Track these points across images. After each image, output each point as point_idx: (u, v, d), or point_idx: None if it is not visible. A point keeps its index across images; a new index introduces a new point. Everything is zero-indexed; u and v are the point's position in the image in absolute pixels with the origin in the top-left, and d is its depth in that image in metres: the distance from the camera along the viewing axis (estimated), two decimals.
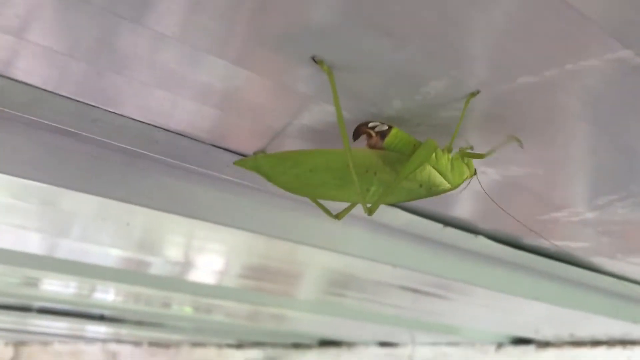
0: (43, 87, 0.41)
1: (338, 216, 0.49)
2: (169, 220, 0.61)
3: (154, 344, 2.56)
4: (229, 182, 0.53)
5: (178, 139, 0.47)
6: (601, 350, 1.47)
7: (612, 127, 0.43)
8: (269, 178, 0.45)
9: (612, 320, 1.04)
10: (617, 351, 1.45)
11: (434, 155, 0.44)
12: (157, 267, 0.95)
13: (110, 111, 0.44)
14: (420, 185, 0.45)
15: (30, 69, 0.39)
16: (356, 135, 0.44)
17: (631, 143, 0.46)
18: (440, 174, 0.45)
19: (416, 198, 0.47)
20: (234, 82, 0.39)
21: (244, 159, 0.45)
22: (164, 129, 0.46)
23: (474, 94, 0.40)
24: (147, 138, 0.47)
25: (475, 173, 0.48)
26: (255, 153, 0.50)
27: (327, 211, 0.49)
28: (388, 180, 0.44)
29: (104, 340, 2.62)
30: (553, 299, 0.89)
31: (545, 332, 1.45)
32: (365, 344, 1.97)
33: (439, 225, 0.64)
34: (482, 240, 0.69)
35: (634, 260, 0.78)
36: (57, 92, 0.41)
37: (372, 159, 0.44)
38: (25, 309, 1.64)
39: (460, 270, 0.77)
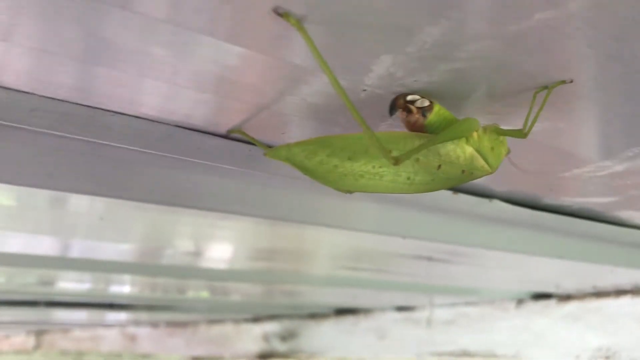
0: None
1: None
2: (172, 213, 0.55)
3: (171, 324, 2.56)
4: (226, 168, 0.46)
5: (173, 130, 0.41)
6: (626, 300, 1.42)
7: None
8: (305, 170, 0.39)
9: (637, 272, 0.98)
10: None
11: (476, 135, 0.40)
12: (169, 257, 0.92)
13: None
14: (463, 171, 0.40)
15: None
16: (393, 109, 0.39)
17: None
18: (482, 156, 0.41)
19: (457, 184, 0.42)
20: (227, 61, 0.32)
21: (275, 149, 0.38)
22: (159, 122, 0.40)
23: (563, 82, 0.36)
24: (145, 133, 0.40)
25: (509, 152, 0.43)
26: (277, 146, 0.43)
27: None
28: (429, 167, 0.39)
29: (122, 325, 2.62)
30: (576, 256, 0.83)
31: (566, 286, 1.40)
32: (383, 309, 1.94)
33: (448, 193, 0.58)
34: (497, 205, 0.62)
35: None
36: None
37: (413, 141, 0.38)
38: (43, 303, 1.64)
39: (475, 236, 0.71)
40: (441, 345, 1.80)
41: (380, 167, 0.38)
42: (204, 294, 1.54)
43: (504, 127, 0.42)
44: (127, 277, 1.16)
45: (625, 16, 0.30)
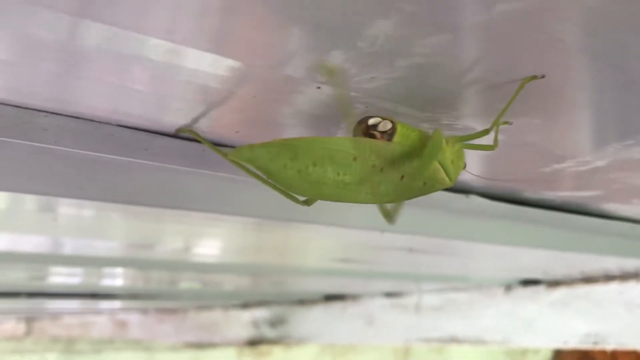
0: None
1: (308, 202, 0.40)
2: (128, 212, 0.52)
3: (161, 310, 2.56)
4: (178, 169, 0.43)
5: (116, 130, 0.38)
6: (614, 285, 1.41)
7: (618, 59, 0.33)
8: (268, 174, 0.37)
9: (625, 259, 0.96)
10: (631, 285, 1.39)
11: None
12: (158, 253, 0.91)
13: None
14: (424, 183, 0.39)
15: None
16: (357, 135, 0.37)
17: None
18: (444, 169, 0.39)
19: (415, 196, 0.40)
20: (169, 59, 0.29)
21: (238, 150, 0.36)
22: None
23: (534, 77, 0.34)
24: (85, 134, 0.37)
25: (465, 166, 0.41)
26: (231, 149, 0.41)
27: (293, 198, 0.40)
28: (393, 179, 0.38)
29: (112, 312, 2.61)
30: (561, 247, 0.80)
31: (554, 272, 1.39)
32: (371, 295, 1.94)
33: None
34: (475, 200, 0.59)
35: None
36: None
37: (379, 152, 0.37)
38: (35, 294, 1.65)
39: (454, 229, 0.68)
40: (429, 331, 1.80)
41: (344, 174, 0.37)
42: (195, 284, 1.54)
43: (471, 130, 0.39)
44: (117, 270, 1.16)
45: (592, 6, 0.27)
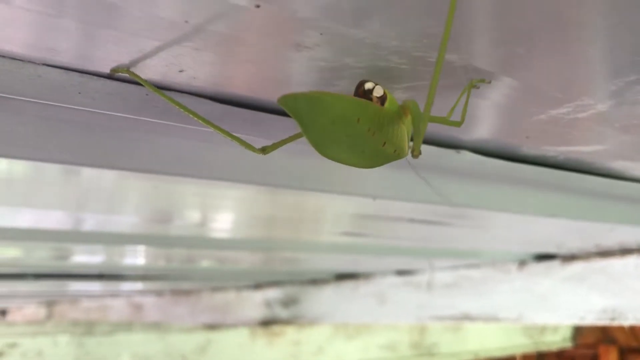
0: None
1: (265, 150, 0.38)
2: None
3: (175, 292, 2.57)
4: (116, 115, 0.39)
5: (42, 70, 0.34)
6: (632, 259, 1.36)
7: None
8: (305, 129, 0.35)
9: None
10: None
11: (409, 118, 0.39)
12: (176, 228, 0.91)
13: None
14: (395, 151, 0.39)
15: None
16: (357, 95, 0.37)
17: None
18: (407, 139, 0.40)
19: (383, 164, 0.41)
20: None
21: (290, 95, 0.33)
22: None
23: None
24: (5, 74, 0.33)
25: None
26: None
27: (247, 145, 0.38)
28: (378, 144, 0.38)
29: (129, 294, 2.63)
30: (569, 214, 0.75)
31: (569, 246, 1.33)
32: (383, 274, 1.92)
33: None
34: (467, 156, 0.54)
35: None
36: None
37: (375, 116, 0.37)
38: (58, 275, 1.67)
39: (451, 193, 0.63)
40: (442, 309, 1.77)
41: (349, 136, 0.36)
42: (210, 262, 1.54)
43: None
44: (137, 248, 1.16)
45: None
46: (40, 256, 1.18)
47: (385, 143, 0.37)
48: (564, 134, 0.53)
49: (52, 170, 0.42)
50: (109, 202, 0.68)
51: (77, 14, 0.30)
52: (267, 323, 2.33)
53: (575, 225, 0.93)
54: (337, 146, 0.37)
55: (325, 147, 0.37)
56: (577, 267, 1.42)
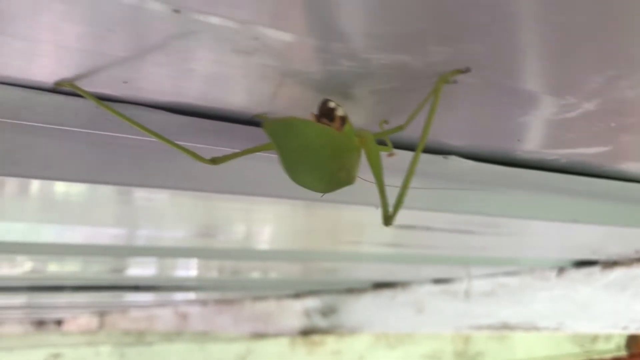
0: None
1: (215, 160, 0.38)
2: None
3: (219, 302, 2.61)
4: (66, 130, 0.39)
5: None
6: None
7: None
8: (280, 153, 0.36)
9: None
10: None
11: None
12: (221, 241, 0.94)
13: None
14: (347, 176, 0.39)
15: None
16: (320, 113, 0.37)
17: None
18: (357, 165, 0.39)
19: (332, 190, 0.40)
20: None
21: (271, 120, 0.35)
22: None
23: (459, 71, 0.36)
24: None
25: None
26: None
27: (194, 155, 0.38)
28: (333, 169, 0.37)
29: (175, 304, 2.69)
30: (586, 218, 0.72)
31: (609, 252, 1.28)
32: (420, 282, 1.89)
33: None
34: (456, 162, 0.53)
35: None
36: None
37: (335, 140, 0.36)
38: (113, 287, 1.75)
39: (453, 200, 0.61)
40: (480, 317, 1.72)
41: (310, 159, 0.36)
42: (254, 274, 1.59)
43: None
44: (187, 261, 1.21)
45: None
46: (97, 270, 1.24)
47: (340, 169, 0.37)
48: (558, 135, 0.51)
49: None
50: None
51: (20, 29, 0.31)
52: (306, 332, 2.33)
53: (606, 230, 0.89)
54: (302, 170, 0.37)
55: (294, 171, 0.37)
56: (618, 273, 1.36)
